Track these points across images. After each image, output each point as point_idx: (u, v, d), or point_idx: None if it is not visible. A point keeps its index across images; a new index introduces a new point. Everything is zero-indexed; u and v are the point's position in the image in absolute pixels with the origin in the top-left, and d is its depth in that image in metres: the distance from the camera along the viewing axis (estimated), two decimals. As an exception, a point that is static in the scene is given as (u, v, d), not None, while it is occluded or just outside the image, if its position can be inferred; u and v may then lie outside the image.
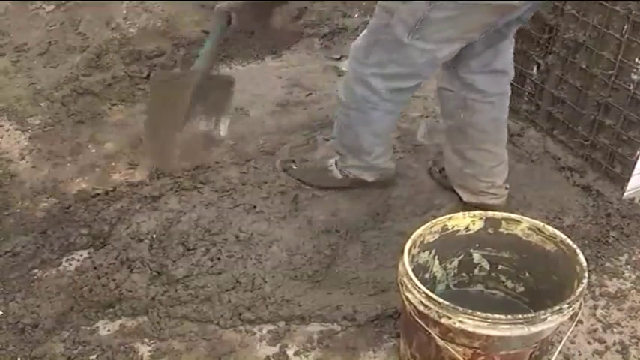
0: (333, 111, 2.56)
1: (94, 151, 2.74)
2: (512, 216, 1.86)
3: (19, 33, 3.45)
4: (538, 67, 2.69)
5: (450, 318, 1.54)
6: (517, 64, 2.77)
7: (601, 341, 1.96)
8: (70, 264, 2.19)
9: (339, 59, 3.44)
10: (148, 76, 3.24)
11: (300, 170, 2.61)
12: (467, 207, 2.35)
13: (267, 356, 1.92)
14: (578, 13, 2.43)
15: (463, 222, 1.85)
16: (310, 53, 3.46)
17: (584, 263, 1.67)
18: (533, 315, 1.53)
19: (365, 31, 2.11)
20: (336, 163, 2.51)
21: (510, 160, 2.65)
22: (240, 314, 2.01)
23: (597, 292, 2.12)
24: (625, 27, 2.29)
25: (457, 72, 2.21)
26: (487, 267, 1.95)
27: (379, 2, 2.01)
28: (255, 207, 2.41)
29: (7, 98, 3.01)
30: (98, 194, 2.47)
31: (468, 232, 1.87)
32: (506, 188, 2.41)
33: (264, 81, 3.22)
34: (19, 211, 2.42)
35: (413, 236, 1.75)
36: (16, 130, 2.85)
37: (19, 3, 3.63)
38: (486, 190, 2.37)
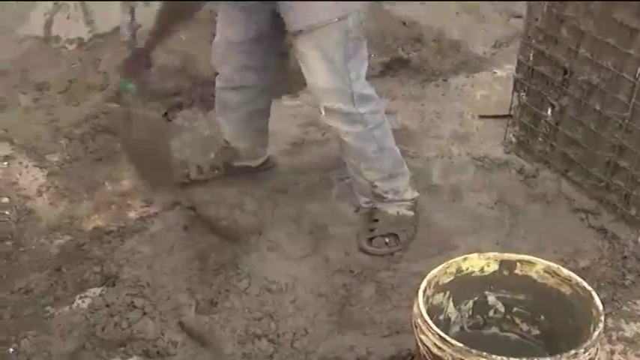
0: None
1: (110, 188, 2.77)
2: (527, 258, 1.84)
3: (40, 71, 3.51)
4: (552, 109, 2.70)
5: (464, 361, 1.52)
6: (532, 105, 2.80)
7: (618, 387, 1.93)
8: (83, 301, 2.19)
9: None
10: (166, 113, 3.28)
11: (396, 243, 2.45)
12: None
13: (280, 397, 1.90)
14: (592, 56, 2.44)
15: (478, 263, 1.84)
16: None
17: (601, 307, 1.65)
18: (548, 359, 1.51)
19: (324, 68, 2.21)
20: (402, 205, 2.49)
21: (525, 201, 2.66)
22: (252, 353, 2.00)
23: (614, 337, 2.08)
24: (638, 70, 2.29)
25: None
26: (502, 309, 1.92)
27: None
28: (271, 245, 2.41)
29: (27, 135, 3.04)
30: (112, 231, 2.48)
31: (482, 274, 1.85)
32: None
33: (279, 120, 3.23)
34: (34, 247, 2.43)
35: (427, 277, 1.74)
36: (35, 166, 2.87)
37: (41, 41, 3.70)
38: None
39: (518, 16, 4.01)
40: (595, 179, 2.58)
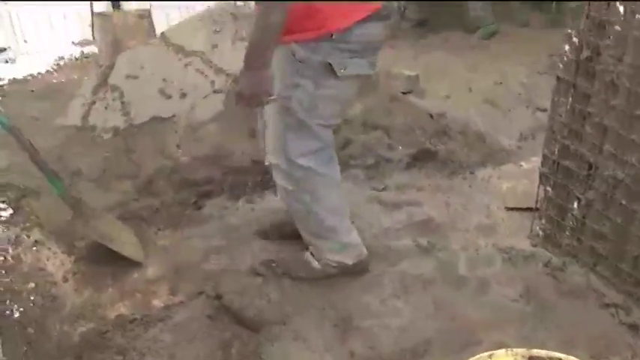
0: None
1: (136, 275, 2.79)
2: (558, 355, 1.80)
3: (75, 159, 3.62)
4: (579, 202, 2.68)
5: None
6: (558, 199, 2.79)
7: None
8: (102, 391, 2.18)
9: (383, 189, 3.49)
10: (196, 202, 3.34)
11: (281, 266, 2.75)
12: None
13: None
14: (616, 151, 2.45)
15: (505, 360, 1.80)
16: (355, 183, 3.52)
17: (632, 409, 1.60)
18: None
19: (271, 126, 2.49)
20: (312, 255, 2.71)
21: (553, 295, 2.60)
22: None
23: None
24: (664, 165, 2.30)
25: None
26: (529, 408, 1.87)
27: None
28: (295, 336, 2.39)
29: (57, 221, 3.10)
30: (136, 319, 2.48)
31: (509, 371, 1.81)
32: None
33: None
34: (56, 334, 2.43)
35: (451, 374, 1.70)
36: (63, 252, 2.92)
37: (78, 130, 3.82)
38: None
39: (543, 110, 4.06)
40: (625, 274, 2.54)
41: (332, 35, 2.27)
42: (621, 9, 2.30)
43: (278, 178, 2.57)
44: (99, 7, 6.25)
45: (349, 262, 2.70)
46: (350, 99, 2.54)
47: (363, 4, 2.28)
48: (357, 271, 2.73)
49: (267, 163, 2.59)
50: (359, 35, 2.30)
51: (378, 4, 2.30)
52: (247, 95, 2.28)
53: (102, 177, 3.48)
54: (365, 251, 2.74)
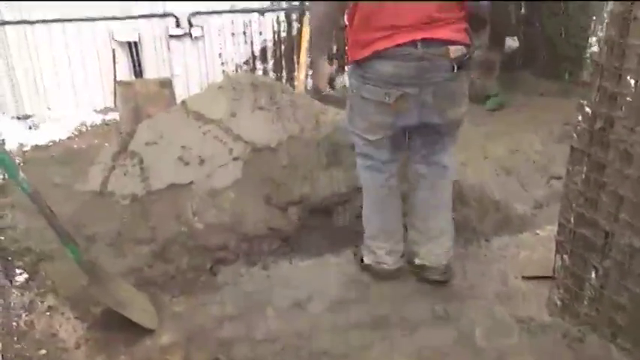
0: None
1: (149, 342, 2.77)
2: None
3: (92, 223, 3.63)
4: (596, 272, 2.65)
5: None
6: (575, 268, 2.76)
7: None
8: None
9: (400, 257, 3.47)
10: (211, 268, 3.33)
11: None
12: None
13: None
14: (632, 220, 2.44)
15: None
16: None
17: None
18: None
19: None
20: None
21: (571, 367, 2.56)
22: None
23: None
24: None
25: (409, 160, 3.17)
26: None
27: None
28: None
29: (72, 286, 3.10)
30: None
31: None
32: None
33: (323, 277, 3.26)
34: (65, 402, 2.42)
35: None
36: (76, 318, 2.91)
37: (97, 196, 3.86)
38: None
39: (557, 177, 4.06)
40: (645, 346, 2.49)
41: (358, 62, 2.81)
42: (632, 82, 2.34)
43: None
44: (121, 75, 6.42)
45: (367, 261, 3.23)
46: (374, 120, 2.90)
47: (373, 44, 2.72)
48: (375, 272, 3.23)
49: None
50: (374, 68, 2.77)
51: (383, 46, 2.70)
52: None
53: (117, 242, 3.49)
54: (382, 266, 3.18)
